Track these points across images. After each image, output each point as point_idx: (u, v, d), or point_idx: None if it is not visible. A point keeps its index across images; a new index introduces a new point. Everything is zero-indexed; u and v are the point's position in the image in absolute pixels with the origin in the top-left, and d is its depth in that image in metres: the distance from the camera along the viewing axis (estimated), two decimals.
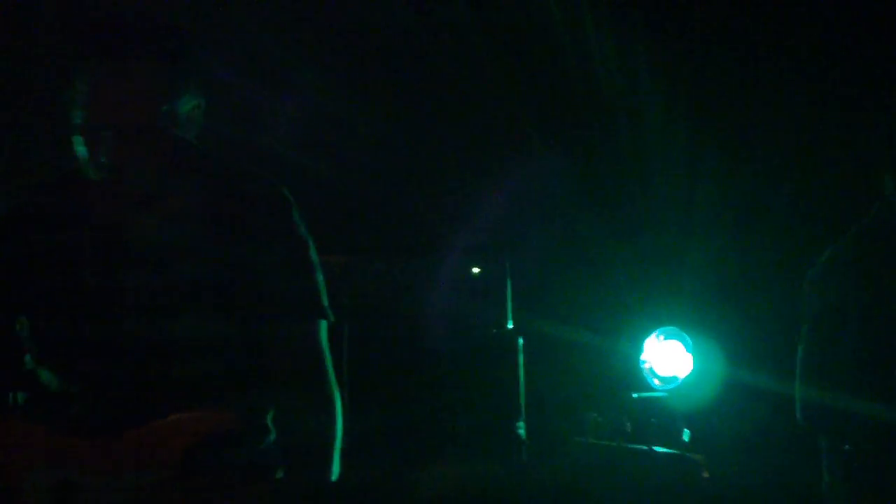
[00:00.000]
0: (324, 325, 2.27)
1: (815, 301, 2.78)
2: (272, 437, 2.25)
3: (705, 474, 4.53)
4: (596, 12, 4.73)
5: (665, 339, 4.91)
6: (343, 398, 2.30)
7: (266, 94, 4.57)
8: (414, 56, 4.72)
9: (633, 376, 4.90)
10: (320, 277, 2.28)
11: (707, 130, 4.87)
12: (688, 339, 4.87)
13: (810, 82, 4.55)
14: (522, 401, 4.87)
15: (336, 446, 2.22)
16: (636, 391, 4.87)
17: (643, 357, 4.90)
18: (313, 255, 2.27)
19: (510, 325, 4.94)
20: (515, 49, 4.80)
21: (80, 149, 2.16)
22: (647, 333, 4.91)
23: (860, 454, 2.69)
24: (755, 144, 4.76)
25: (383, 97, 4.82)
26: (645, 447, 4.60)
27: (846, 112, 4.42)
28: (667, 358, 4.87)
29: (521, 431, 4.85)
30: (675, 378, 4.85)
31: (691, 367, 4.82)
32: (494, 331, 4.91)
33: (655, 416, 4.71)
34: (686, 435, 4.53)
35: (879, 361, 2.65)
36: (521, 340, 4.91)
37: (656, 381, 4.88)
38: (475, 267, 5.05)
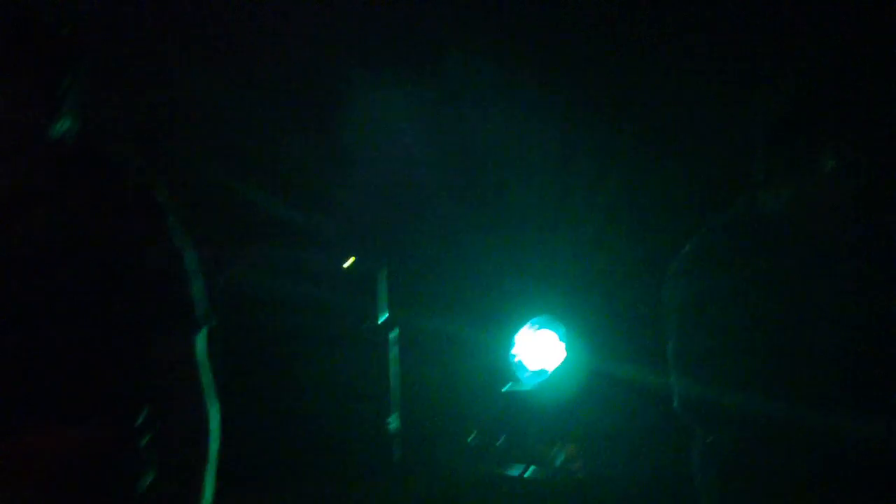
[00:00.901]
0: (202, 334, 2.21)
1: (684, 291, 2.81)
2: (144, 441, 2.18)
3: (578, 464, 4.58)
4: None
5: (538, 328, 4.94)
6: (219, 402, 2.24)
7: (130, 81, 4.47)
8: (287, 43, 4.67)
9: (504, 369, 4.92)
10: (199, 284, 2.21)
11: (578, 120, 4.92)
12: (561, 328, 4.91)
13: (681, 74, 4.63)
14: (396, 394, 4.85)
15: (212, 462, 2.16)
16: (506, 384, 4.90)
17: (514, 351, 4.92)
18: (191, 262, 2.21)
19: (384, 318, 4.91)
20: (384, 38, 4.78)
21: None
22: (520, 323, 4.93)
23: (734, 446, 2.73)
24: (627, 135, 4.82)
25: (257, 84, 4.75)
26: (517, 473, 4.64)
27: (716, 105, 4.51)
28: (539, 348, 4.90)
29: (394, 424, 4.84)
30: (543, 371, 4.88)
31: (564, 357, 4.87)
32: (368, 323, 4.89)
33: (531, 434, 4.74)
34: (560, 458, 4.57)
35: (751, 351, 2.69)
36: (394, 332, 4.90)
37: (527, 372, 4.91)
38: (350, 259, 5.02)
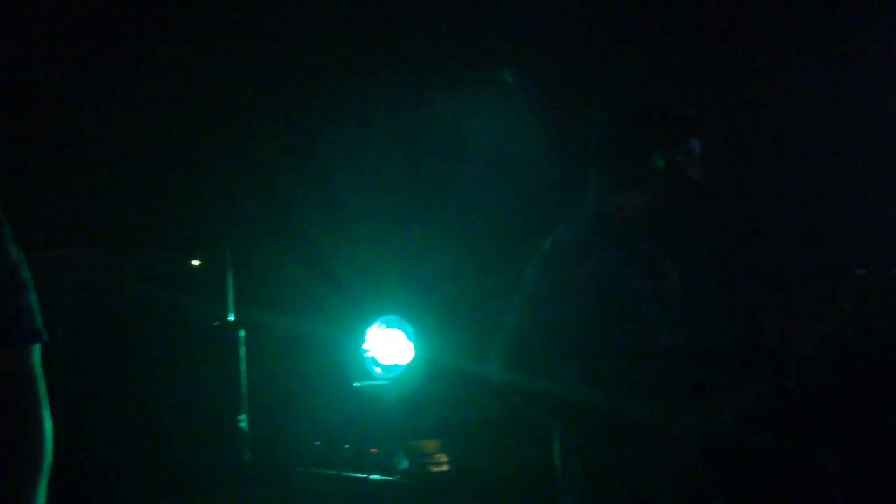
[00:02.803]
0: (37, 348, 2.18)
1: (532, 285, 2.89)
2: None
3: (442, 458, 4.64)
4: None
5: (387, 327, 4.98)
6: (58, 405, 2.21)
7: None
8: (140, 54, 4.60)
9: (356, 365, 4.95)
10: (33, 296, 2.17)
11: (425, 120, 4.96)
12: (409, 327, 4.96)
13: (529, 77, 4.72)
14: (244, 394, 4.82)
15: (45, 475, 2.13)
16: (359, 381, 4.92)
17: (365, 346, 4.95)
18: (25, 273, 2.17)
19: (231, 318, 4.88)
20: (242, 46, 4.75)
21: None
22: (369, 322, 4.96)
23: (590, 439, 2.81)
24: (476, 135, 4.88)
25: (86, 82, 4.65)
26: (363, 475, 4.66)
27: (556, 114, 4.62)
28: (389, 346, 4.94)
29: (244, 425, 4.81)
30: (396, 366, 4.93)
31: (413, 355, 4.92)
32: (216, 323, 4.84)
33: (376, 444, 4.77)
34: (404, 463, 4.61)
35: (593, 345, 2.77)
36: (242, 333, 4.86)
37: (378, 370, 4.95)
38: (195, 259, 4.96)
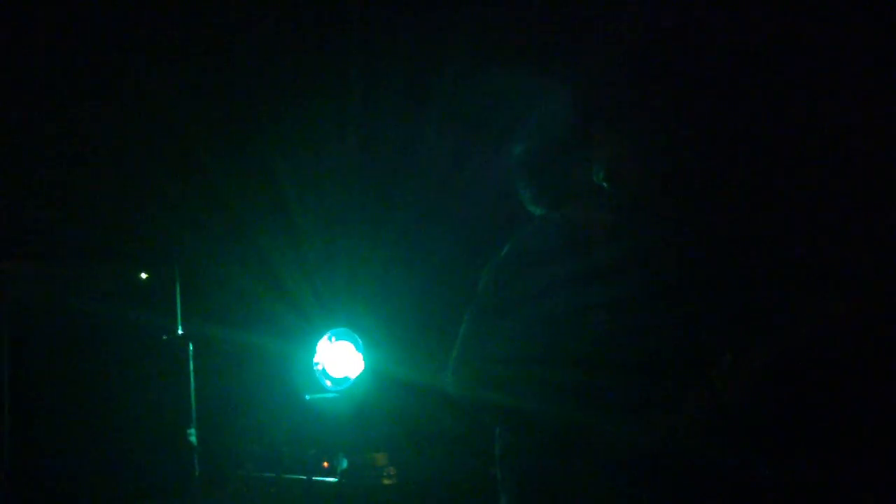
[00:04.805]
0: None
1: (485, 290, 2.90)
2: None
3: (391, 471, 4.64)
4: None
5: (336, 340, 4.98)
6: (3, 419, 2.20)
7: None
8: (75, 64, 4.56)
9: (308, 378, 4.94)
10: None
11: (375, 134, 4.97)
12: (358, 339, 4.96)
13: (474, 93, 4.74)
14: (194, 407, 4.81)
15: None
16: (310, 393, 4.92)
17: (316, 359, 4.95)
18: None
19: (180, 332, 4.86)
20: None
21: None
22: (319, 335, 4.96)
23: (528, 447, 2.83)
24: (426, 148, 4.89)
25: (54, 101, 4.62)
26: (304, 476, 4.67)
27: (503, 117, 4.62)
28: (338, 359, 4.94)
29: (193, 438, 4.79)
30: (346, 378, 4.93)
31: (362, 367, 4.92)
32: (165, 337, 4.82)
33: (314, 445, 4.77)
34: (344, 463, 4.62)
35: (540, 353, 2.79)
36: (191, 346, 4.84)
37: (328, 383, 4.95)
38: (143, 272, 4.94)
